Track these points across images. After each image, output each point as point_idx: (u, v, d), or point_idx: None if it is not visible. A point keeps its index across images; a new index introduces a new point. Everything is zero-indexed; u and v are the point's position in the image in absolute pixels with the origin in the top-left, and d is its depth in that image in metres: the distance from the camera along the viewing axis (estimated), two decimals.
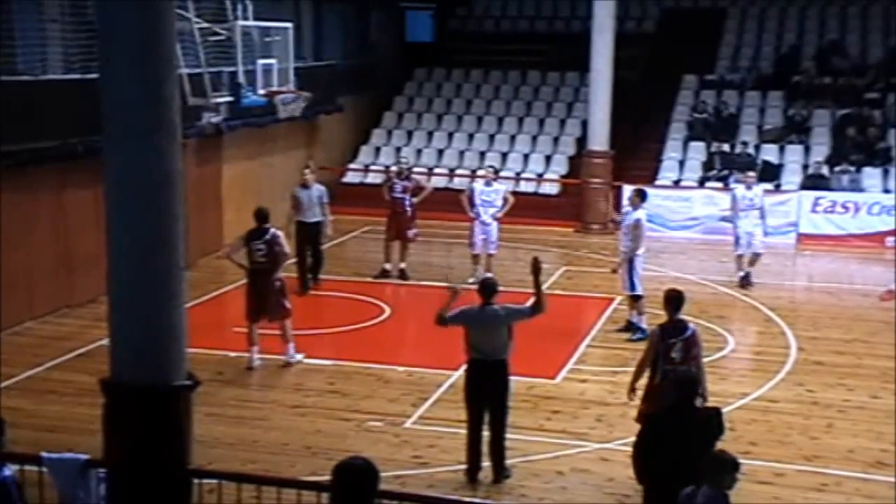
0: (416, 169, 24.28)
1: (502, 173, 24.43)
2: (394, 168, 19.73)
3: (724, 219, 21.95)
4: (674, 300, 9.83)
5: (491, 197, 17.36)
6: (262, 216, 13.52)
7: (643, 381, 9.76)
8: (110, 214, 6.74)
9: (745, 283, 17.59)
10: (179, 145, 6.77)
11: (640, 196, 15.13)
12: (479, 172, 21.23)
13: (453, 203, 22.82)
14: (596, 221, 22.41)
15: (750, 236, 17.70)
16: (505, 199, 17.46)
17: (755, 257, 17.79)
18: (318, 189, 16.92)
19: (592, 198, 22.53)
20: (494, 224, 17.38)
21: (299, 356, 13.47)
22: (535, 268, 9.97)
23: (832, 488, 10.00)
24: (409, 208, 17.90)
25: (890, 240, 20.66)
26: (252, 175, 21.41)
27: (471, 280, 15.08)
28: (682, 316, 9.85)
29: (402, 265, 17.92)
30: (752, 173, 18.77)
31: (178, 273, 6.82)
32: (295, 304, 15.44)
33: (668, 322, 9.79)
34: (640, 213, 14.89)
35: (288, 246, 13.57)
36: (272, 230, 13.37)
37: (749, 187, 17.97)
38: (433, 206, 19.00)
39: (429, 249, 19.53)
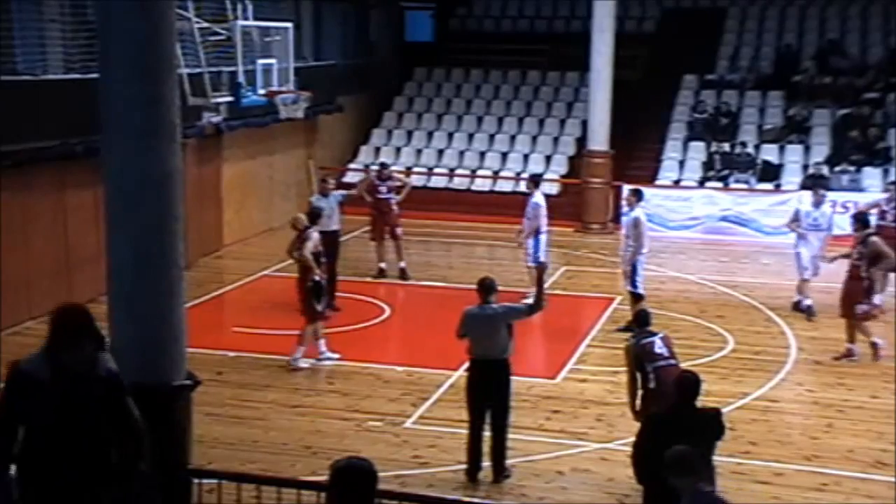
0: (414, 169, 24.50)
1: (502, 173, 24.54)
2: (374, 168, 19.55)
3: (724, 219, 22.08)
4: (641, 317, 10.08)
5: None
6: (310, 216, 13.87)
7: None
8: (110, 214, 6.75)
9: (808, 313, 15.80)
10: (179, 145, 6.78)
11: (637, 196, 15.11)
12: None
13: (454, 203, 23.04)
14: (596, 221, 22.42)
15: (815, 260, 15.70)
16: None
17: (803, 283, 15.97)
18: (334, 196, 15.98)
19: (592, 198, 22.54)
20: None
21: (304, 363, 13.29)
22: (541, 268, 10.09)
23: (832, 488, 10.00)
24: (395, 207, 17.85)
25: None
26: (252, 175, 21.44)
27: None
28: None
29: (402, 264, 17.90)
30: (822, 190, 16.51)
31: (178, 273, 6.83)
32: (292, 303, 15.44)
33: (637, 332, 9.92)
34: (638, 212, 14.90)
35: (306, 249, 13.28)
36: (309, 230, 13.48)
37: (817, 205, 16.01)
38: (433, 206, 18.98)
39: (428, 249, 19.53)
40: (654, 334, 9.78)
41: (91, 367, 5.80)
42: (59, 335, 5.73)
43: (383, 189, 17.85)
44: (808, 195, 17.10)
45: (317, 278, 13.25)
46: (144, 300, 6.70)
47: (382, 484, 5.16)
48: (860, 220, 14.28)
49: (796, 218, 16.09)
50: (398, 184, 18.17)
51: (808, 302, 15.90)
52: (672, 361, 9.50)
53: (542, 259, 14.87)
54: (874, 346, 13.75)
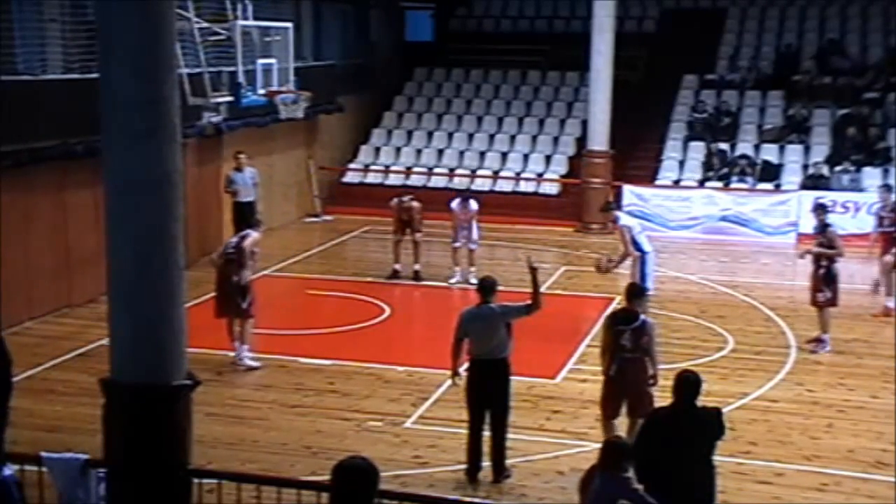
0: (414, 169, 24.55)
1: (502, 173, 24.55)
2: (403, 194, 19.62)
3: (724, 219, 22.08)
4: (630, 291, 10.22)
5: None
6: (255, 223, 14.00)
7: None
8: (110, 215, 6.74)
9: None
10: (179, 145, 6.78)
11: (613, 206, 15.44)
12: None
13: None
14: (596, 221, 22.40)
15: None
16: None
17: None
18: (250, 171, 18.56)
19: (592, 198, 22.53)
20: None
21: (251, 363, 13.17)
22: (531, 266, 10.11)
23: (832, 488, 10.00)
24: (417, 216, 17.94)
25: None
26: None
27: None
28: (640, 310, 10.08)
29: (417, 266, 17.90)
30: None
31: (178, 273, 6.82)
32: (292, 303, 15.46)
33: (620, 310, 10.14)
34: (624, 218, 15.01)
35: (257, 247, 13.50)
36: (248, 230, 13.52)
37: None
38: (433, 206, 18.96)
39: (429, 249, 19.51)
40: (633, 320, 9.79)
41: None
42: None
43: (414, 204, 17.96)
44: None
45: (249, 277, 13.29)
46: (144, 300, 6.69)
47: (382, 484, 5.16)
48: (821, 207, 14.55)
49: None
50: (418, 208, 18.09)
51: None
52: (635, 355, 9.71)
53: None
54: (819, 340, 14.06)
